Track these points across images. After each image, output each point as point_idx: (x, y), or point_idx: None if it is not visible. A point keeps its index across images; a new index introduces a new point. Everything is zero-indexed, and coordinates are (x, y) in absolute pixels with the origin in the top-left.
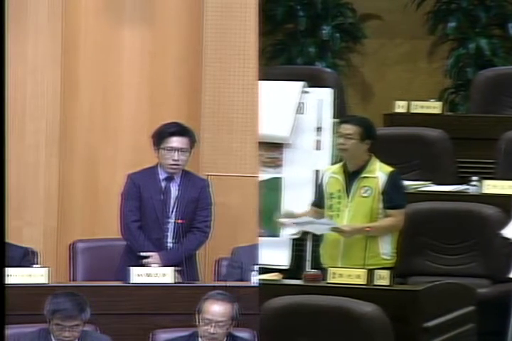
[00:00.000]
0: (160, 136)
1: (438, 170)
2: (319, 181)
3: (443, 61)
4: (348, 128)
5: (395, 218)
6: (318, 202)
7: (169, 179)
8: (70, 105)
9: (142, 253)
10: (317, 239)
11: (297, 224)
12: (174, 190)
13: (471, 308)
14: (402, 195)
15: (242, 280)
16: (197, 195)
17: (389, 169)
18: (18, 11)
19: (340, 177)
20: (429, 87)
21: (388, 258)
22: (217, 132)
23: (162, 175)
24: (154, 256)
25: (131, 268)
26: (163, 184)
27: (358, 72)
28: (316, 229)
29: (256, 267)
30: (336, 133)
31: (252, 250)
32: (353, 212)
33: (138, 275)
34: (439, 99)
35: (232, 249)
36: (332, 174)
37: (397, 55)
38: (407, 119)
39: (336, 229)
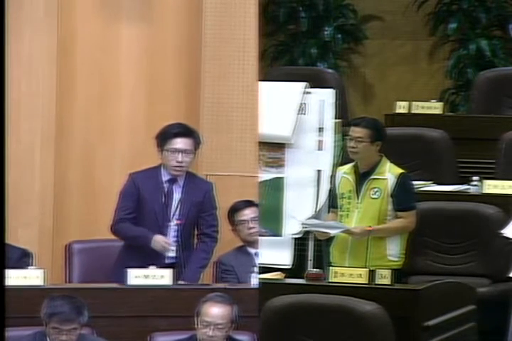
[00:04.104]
0: (164, 137)
1: (439, 170)
2: (333, 182)
3: (444, 62)
4: (358, 131)
5: (405, 219)
6: (333, 203)
7: (172, 181)
8: (66, 104)
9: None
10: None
11: (305, 225)
12: (177, 192)
13: (471, 307)
14: (412, 197)
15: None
16: (201, 198)
17: (398, 171)
18: (13, 7)
19: (351, 178)
20: (429, 88)
21: (395, 259)
22: (217, 131)
23: (165, 177)
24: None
25: (128, 269)
26: (165, 186)
27: (359, 73)
28: (328, 230)
29: (255, 269)
30: (347, 135)
31: (237, 254)
32: (362, 213)
33: (135, 277)
34: (439, 100)
35: (219, 257)
36: (344, 174)
37: (398, 55)
38: (408, 120)
39: (346, 231)
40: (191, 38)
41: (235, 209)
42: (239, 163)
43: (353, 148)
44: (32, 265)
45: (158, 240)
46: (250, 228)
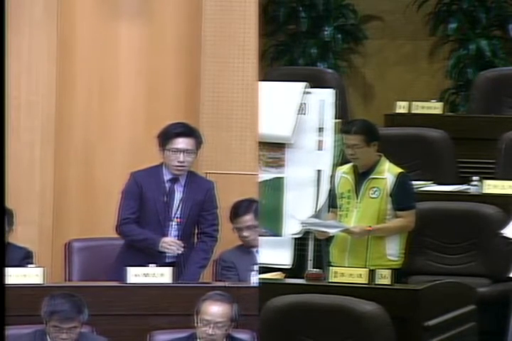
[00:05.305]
0: (165, 137)
1: (439, 170)
2: (332, 181)
3: (444, 62)
4: (352, 139)
5: (405, 219)
6: (332, 203)
7: (174, 180)
8: (65, 101)
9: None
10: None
11: (305, 224)
12: (179, 191)
13: (471, 307)
14: (411, 197)
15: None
16: (202, 197)
17: (397, 170)
18: (13, 5)
19: (350, 178)
20: (429, 88)
21: (395, 259)
22: (216, 129)
23: (167, 176)
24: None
25: (128, 268)
26: (167, 185)
27: (359, 73)
28: (328, 229)
29: (255, 267)
30: (343, 144)
31: (239, 252)
32: (361, 212)
33: (135, 275)
34: (439, 100)
35: (220, 253)
36: (343, 174)
37: (398, 55)
38: (408, 120)
39: (345, 231)
40: (191, 36)
41: (235, 214)
42: (239, 161)
43: (353, 155)
44: (32, 263)
45: (167, 241)
46: (244, 236)
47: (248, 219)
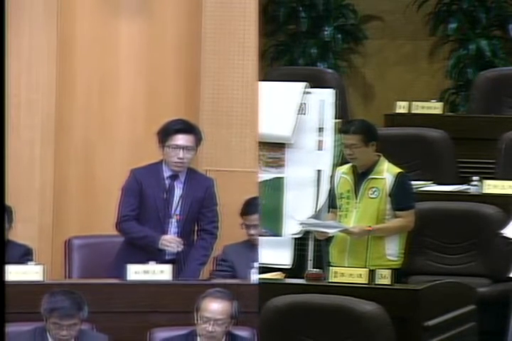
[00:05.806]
0: (165, 133)
1: (439, 170)
2: (332, 182)
3: (444, 62)
4: (350, 138)
5: (404, 219)
6: (332, 203)
7: (173, 177)
8: (65, 100)
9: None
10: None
11: (304, 224)
12: (178, 188)
13: (471, 307)
14: (410, 197)
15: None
16: (202, 194)
17: (396, 170)
18: (13, 5)
19: (350, 178)
20: (430, 88)
21: (394, 259)
22: (216, 126)
23: (166, 173)
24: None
25: (128, 265)
26: (167, 182)
27: (359, 73)
28: (327, 229)
29: (255, 264)
30: (341, 144)
31: (243, 248)
32: (360, 212)
33: (135, 272)
34: (439, 100)
35: (223, 247)
36: (342, 174)
37: (398, 55)
38: (408, 120)
39: (345, 231)
40: (191, 33)
41: (245, 211)
42: (239, 158)
43: (351, 155)
44: (32, 261)
45: (167, 239)
46: (250, 234)
47: (257, 218)
